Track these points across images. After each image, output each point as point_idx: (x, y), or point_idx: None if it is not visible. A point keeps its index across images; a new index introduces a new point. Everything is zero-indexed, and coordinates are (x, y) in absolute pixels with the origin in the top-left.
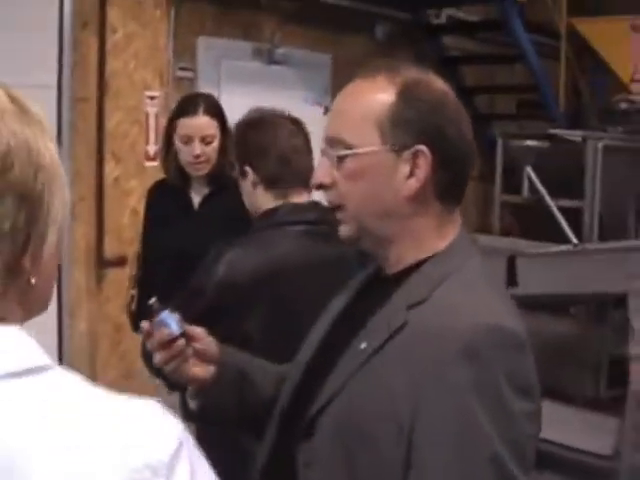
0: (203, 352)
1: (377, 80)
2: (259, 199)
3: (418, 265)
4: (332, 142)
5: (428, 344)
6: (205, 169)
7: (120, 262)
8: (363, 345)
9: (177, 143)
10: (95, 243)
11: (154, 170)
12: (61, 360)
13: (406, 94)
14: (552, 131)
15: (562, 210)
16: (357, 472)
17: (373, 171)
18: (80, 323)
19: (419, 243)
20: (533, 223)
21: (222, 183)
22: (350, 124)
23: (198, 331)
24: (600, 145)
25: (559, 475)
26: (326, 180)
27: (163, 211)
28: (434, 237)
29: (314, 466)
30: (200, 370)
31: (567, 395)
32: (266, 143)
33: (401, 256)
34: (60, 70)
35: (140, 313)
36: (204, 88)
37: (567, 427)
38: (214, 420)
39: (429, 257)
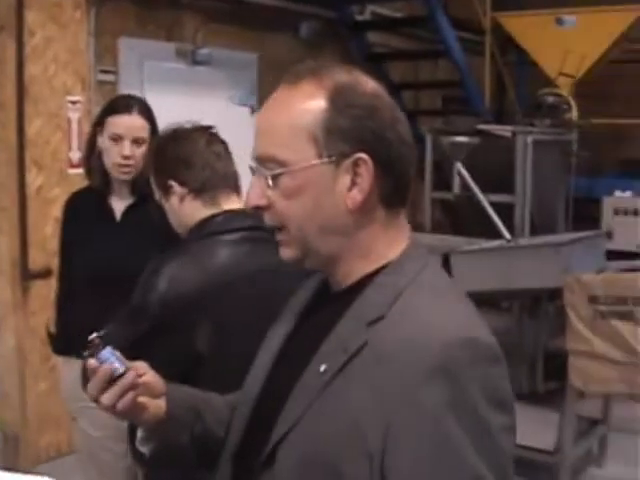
0: (151, 386)
1: (303, 87)
2: (188, 212)
3: (369, 277)
4: (263, 161)
5: (394, 364)
6: (131, 174)
7: (45, 274)
8: (322, 367)
9: (105, 143)
10: (19, 255)
11: (78, 177)
12: None
13: (337, 100)
14: (481, 127)
15: (493, 205)
16: None
17: (312, 187)
18: (8, 337)
19: (368, 255)
20: (465, 219)
21: (146, 193)
22: (280, 139)
23: (141, 365)
24: (529, 140)
25: None
26: (261, 202)
27: (82, 224)
28: (383, 246)
29: None
30: (152, 405)
31: None
32: (188, 154)
33: (350, 270)
34: None
35: (58, 335)
36: (126, 90)
37: None
38: (168, 463)
39: (381, 268)
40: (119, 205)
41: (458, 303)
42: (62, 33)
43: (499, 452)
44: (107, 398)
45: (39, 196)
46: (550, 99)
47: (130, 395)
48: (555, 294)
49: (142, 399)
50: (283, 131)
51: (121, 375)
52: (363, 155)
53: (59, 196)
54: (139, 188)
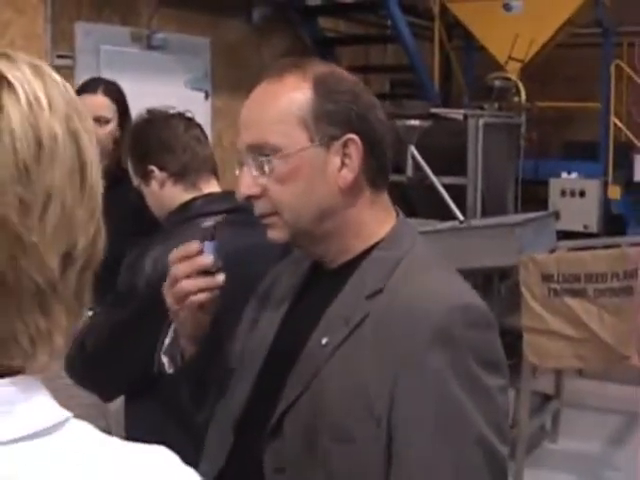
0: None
1: (287, 80)
2: (169, 196)
3: (363, 254)
4: (255, 149)
5: (396, 330)
6: None
7: None
8: (324, 340)
9: None
10: None
11: None
12: None
13: (321, 88)
14: (435, 110)
15: (446, 188)
16: (335, 472)
17: (305, 170)
18: None
19: (359, 233)
20: (418, 202)
21: (118, 176)
22: (272, 126)
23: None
24: (481, 122)
25: None
26: (254, 190)
27: None
28: (373, 224)
29: (286, 470)
30: (204, 319)
31: None
32: (168, 138)
33: (343, 249)
34: None
35: None
36: (83, 75)
37: None
38: (187, 379)
39: (373, 245)
40: None
41: (451, 273)
42: (19, 17)
43: (497, 412)
44: (190, 284)
45: None
46: (499, 83)
47: (207, 294)
48: (506, 273)
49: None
50: (274, 119)
51: (211, 273)
52: (353, 135)
53: None
54: (112, 171)
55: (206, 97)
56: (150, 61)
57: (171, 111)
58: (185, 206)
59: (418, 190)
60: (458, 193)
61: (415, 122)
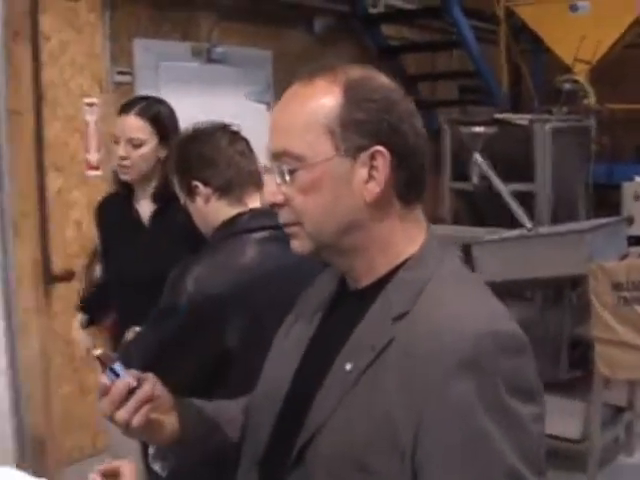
0: (161, 400)
1: (317, 83)
2: (214, 211)
3: (390, 274)
4: (279, 157)
5: (422, 360)
6: (130, 175)
7: (67, 276)
8: (348, 366)
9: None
10: (41, 258)
11: (97, 179)
12: (15, 379)
13: (352, 94)
14: (499, 116)
15: (513, 194)
16: None
17: (329, 181)
18: (31, 340)
19: (387, 250)
20: (485, 210)
21: (168, 198)
22: (297, 134)
23: (150, 377)
24: (547, 127)
25: None
26: (278, 198)
27: (111, 229)
28: (402, 241)
29: None
30: (165, 421)
31: None
32: (211, 153)
33: (370, 267)
34: None
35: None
36: (143, 91)
37: None
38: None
39: (401, 263)
40: (145, 210)
41: (481, 294)
42: (77, 37)
43: (530, 442)
44: (122, 414)
45: (59, 199)
46: (567, 86)
47: (145, 409)
48: (578, 282)
49: (155, 415)
50: (299, 126)
51: (134, 389)
52: (380, 148)
53: (79, 199)
54: (160, 192)
55: (268, 109)
56: (211, 75)
57: (216, 124)
58: (230, 222)
59: (485, 198)
60: (527, 200)
61: (480, 129)
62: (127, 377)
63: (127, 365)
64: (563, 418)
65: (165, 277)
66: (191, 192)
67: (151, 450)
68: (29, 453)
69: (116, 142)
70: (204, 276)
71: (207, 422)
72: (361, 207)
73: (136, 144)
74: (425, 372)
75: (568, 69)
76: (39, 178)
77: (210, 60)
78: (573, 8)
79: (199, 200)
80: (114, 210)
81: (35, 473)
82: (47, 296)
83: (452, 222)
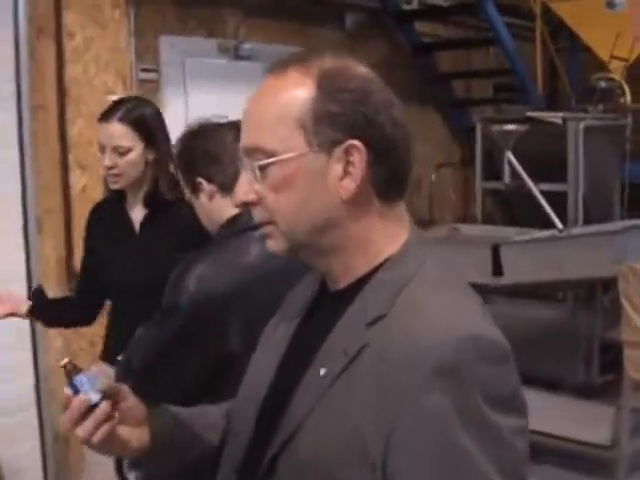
0: (132, 412)
1: (289, 75)
2: (218, 209)
3: (369, 275)
4: (250, 152)
5: (395, 367)
6: (119, 183)
7: None
8: (322, 371)
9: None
10: (65, 256)
11: None
12: (37, 378)
13: (325, 85)
14: (531, 114)
15: (545, 194)
16: None
17: (302, 177)
18: (54, 337)
19: (366, 250)
20: (516, 209)
21: (158, 204)
22: (267, 128)
23: (122, 389)
24: (581, 126)
25: (556, 468)
26: (249, 197)
27: (103, 235)
28: (382, 240)
29: None
30: (134, 436)
31: (558, 383)
32: (215, 149)
33: (348, 267)
34: (18, 79)
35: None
36: (169, 88)
37: (562, 417)
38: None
39: (381, 264)
40: (138, 215)
41: (463, 298)
42: (102, 33)
43: (509, 456)
44: (82, 431)
45: (83, 197)
46: (603, 84)
47: (106, 427)
48: (610, 284)
49: (123, 430)
50: (269, 120)
51: (95, 405)
52: (355, 142)
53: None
54: (151, 196)
55: None
56: (238, 72)
57: (222, 121)
58: (233, 220)
59: (517, 197)
60: (560, 200)
61: (512, 127)
62: (90, 392)
63: (128, 364)
64: (592, 423)
65: (158, 283)
66: (195, 189)
67: (125, 460)
68: (53, 448)
69: (101, 151)
70: (207, 275)
71: (185, 432)
72: (337, 205)
73: (122, 152)
74: (399, 379)
75: (604, 67)
76: (63, 175)
77: (237, 57)
78: (610, 5)
79: (203, 197)
80: (107, 217)
81: (58, 469)
82: (71, 292)
83: (483, 222)
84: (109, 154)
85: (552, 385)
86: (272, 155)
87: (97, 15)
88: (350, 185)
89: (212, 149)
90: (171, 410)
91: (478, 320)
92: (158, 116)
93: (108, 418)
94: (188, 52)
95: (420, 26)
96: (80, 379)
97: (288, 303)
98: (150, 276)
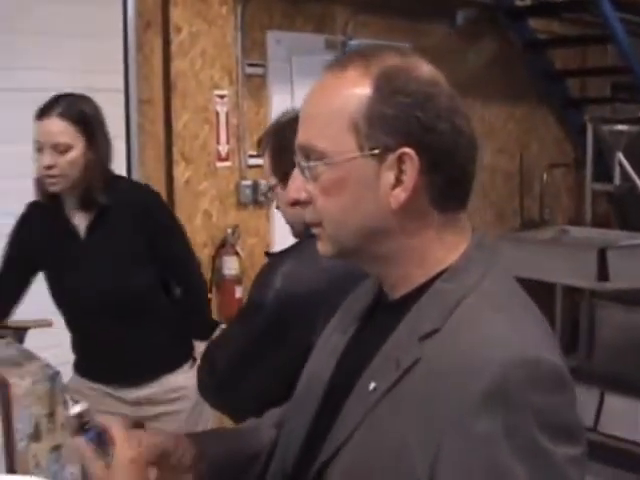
0: (162, 450)
1: (348, 72)
2: None
3: (426, 285)
4: (303, 151)
5: (447, 385)
6: (58, 185)
7: None
8: (372, 385)
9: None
10: None
11: (226, 170)
12: None
13: (383, 86)
14: None
15: None
16: None
17: (352, 182)
18: None
19: (422, 259)
20: (627, 212)
21: (99, 205)
22: (320, 128)
23: (137, 434)
24: None
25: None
26: (300, 196)
27: (42, 239)
28: (440, 250)
29: None
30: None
31: None
32: None
33: (404, 276)
34: (126, 72)
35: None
36: (275, 83)
37: None
38: None
39: (439, 274)
40: (81, 221)
41: (523, 317)
42: (209, 28)
43: None
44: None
45: (187, 189)
46: None
47: None
48: None
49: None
50: (323, 120)
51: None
52: (408, 150)
53: (208, 189)
54: (89, 199)
55: None
56: None
57: None
58: None
59: (629, 199)
60: None
61: (623, 127)
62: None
63: (212, 365)
64: None
65: (104, 295)
66: (284, 178)
67: None
68: None
69: (38, 150)
70: (293, 272)
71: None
72: (386, 214)
73: (62, 150)
74: (447, 400)
75: None
76: (168, 168)
77: (344, 53)
78: None
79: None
80: (44, 222)
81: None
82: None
83: (594, 224)
84: (48, 153)
85: None
86: (323, 156)
87: (204, 10)
88: (401, 194)
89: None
90: (220, 437)
91: (536, 342)
92: (98, 113)
93: None
94: (295, 48)
95: (534, 23)
96: (89, 435)
97: (345, 308)
98: (94, 287)
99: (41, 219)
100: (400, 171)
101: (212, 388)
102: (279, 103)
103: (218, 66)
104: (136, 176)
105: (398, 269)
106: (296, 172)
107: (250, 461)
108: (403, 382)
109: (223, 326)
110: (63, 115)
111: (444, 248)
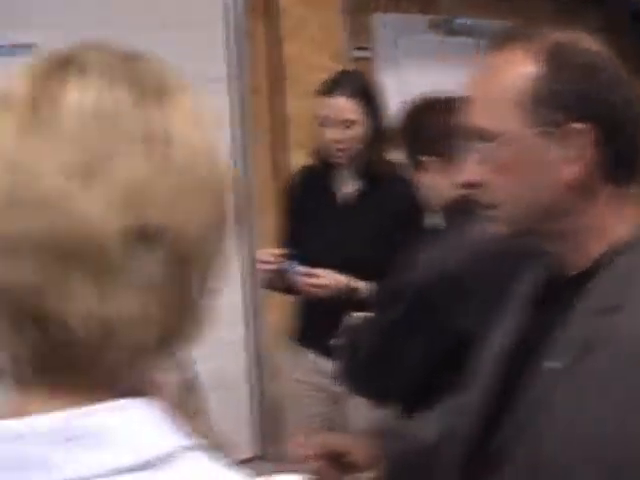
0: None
1: (513, 50)
2: (442, 187)
3: (602, 260)
4: (473, 133)
5: (634, 364)
6: (344, 157)
7: None
8: (552, 364)
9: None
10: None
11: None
12: (257, 348)
13: (550, 62)
14: None
15: None
16: None
17: (524, 162)
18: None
19: (599, 234)
20: None
21: (374, 177)
22: (488, 109)
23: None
24: None
25: None
26: (475, 178)
27: (309, 206)
28: (616, 224)
29: None
30: None
31: None
32: (442, 126)
33: (581, 252)
34: (230, 61)
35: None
36: (383, 67)
37: None
38: None
39: (614, 247)
40: (342, 188)
41: None
42: (315, 13)
43: None
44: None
45: None
46: None
47: None
48: None
49: None
50: (491, 100)
51: None
52: (579, 124)
53: None
54: (365, 172)
55: None
56: (451, 48)
57: (446, 96)
58: (458, 200)
59: None
60: None
61: None
62: None
63: (354, 351)
64: None
65: (367, 260)
66: (419, 165)
67: None
68: (268, 421)
69: (323, 124)
70: (435, 257)
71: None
72: (560, 191)
73: (348, 125)
74: (634, 379)
75: None
76: (280, 154)
77: (450, 33)
78: None
79: (427, 174)
80: (313, 186)
81: (273, 441)
82: None
83: None
84: (335, 127)
85: None
86: (493, 137)
87: None
88: (574, 170)
89: (439, 125)
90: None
91: None
92: (376, 88)
93: None
94: (400, 29)
95: None
96: None
97: (516, 290)
98: (357, 252)
99: (308, 187)
100: (571, 145)
101: (354, 374)
102: (387, 85)
103: (326, 50)
104: (248, 163)
105: (575, 245)
106: (468, 154)
107: (425, 452)
108: (586, 360)
109: (356, 314)
110: (347, 91)
111: (620, 221)
